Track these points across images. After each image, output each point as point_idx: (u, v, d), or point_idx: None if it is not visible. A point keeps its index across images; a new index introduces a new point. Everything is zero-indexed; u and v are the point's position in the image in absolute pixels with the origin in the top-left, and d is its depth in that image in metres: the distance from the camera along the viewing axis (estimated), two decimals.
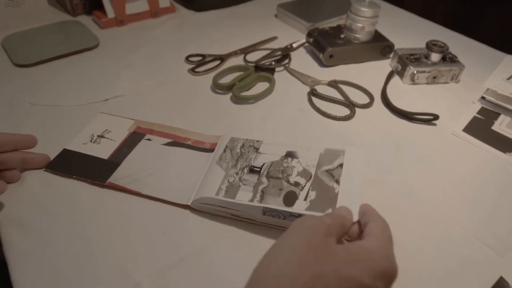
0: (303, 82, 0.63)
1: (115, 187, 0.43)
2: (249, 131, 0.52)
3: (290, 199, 0.39)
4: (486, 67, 0.64)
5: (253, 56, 0.68)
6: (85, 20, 0.77)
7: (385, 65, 0.67)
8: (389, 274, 0.27)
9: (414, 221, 0.41)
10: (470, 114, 0.57)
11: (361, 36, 0.66)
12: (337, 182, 0.39)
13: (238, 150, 0.46)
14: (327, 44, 0.64)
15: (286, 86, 0.62)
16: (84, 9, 0.78)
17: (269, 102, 0.58)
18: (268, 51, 0.69)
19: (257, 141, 0.47)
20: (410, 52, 0.64)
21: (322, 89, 0.61)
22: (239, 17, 0.82)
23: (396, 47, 0.67)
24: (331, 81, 0.62)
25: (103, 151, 0.47)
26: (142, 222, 0.40)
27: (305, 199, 0.38)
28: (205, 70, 0.64)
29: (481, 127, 0.54)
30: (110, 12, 0.74)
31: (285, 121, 0.55)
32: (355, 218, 0.34)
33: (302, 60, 0.68)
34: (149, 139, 0.49)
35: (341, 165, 0.41)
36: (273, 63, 0.66)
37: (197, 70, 0.64)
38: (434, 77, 0.62)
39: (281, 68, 0.66)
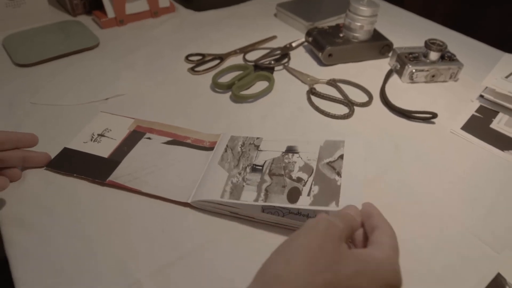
0: (302, 81, 0.63)
1: (115, 185, 0.43)
2: (249, 130, 0.52)
3: (293, 195, 0.39)
4: (485, 65, 0.64)
5: (253, 55, 0.68)
6: (85, 20, 0.77)
7: (384, 64, 0.67)
8: (394, 287, 0.28)
9: (412, 218, 0.42)
10: (468, 113, 0.57)
11: (360, 35, 0.66)
12: (339, 174, 0.39)
13: (239, 149, 0.46)
14: (326, 43, 0.65)
15: (286, 85, 0.62)
16: (84, 9, 0.79)
17: (269, 101, 0.59)
18: (267, 50, 0.70)
19: (257, 138, 0.47)
20: (408, 51, 0.64)
21: (321, 88, 0.61)
22: (238, 17, 0.82)
23: (395, 46, 0.67)
24: (330, 80, 0.62)
25: (104, 149, 0.47)
26: (142, 219, 0.40)
27: (308, 194, 0.38)
28: (205, 70, 0.64)
29: (479, 125, 0.55)
30: (110, 12, 0.74)
31: (284, 119, 0.55)
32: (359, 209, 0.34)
33: (301, 59, 0.68)
34: (149, 138, 0.50)
35: (341, 157, 0.41)
36: (272, 62, 0.67)
37: (196, 69, 0.64)
38: (433, 76, 0.63)
39: (281, 67, 0.66)
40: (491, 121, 0.56)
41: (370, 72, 0.65)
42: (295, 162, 0.42)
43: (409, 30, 0.78)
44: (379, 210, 0.34)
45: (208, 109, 0.56)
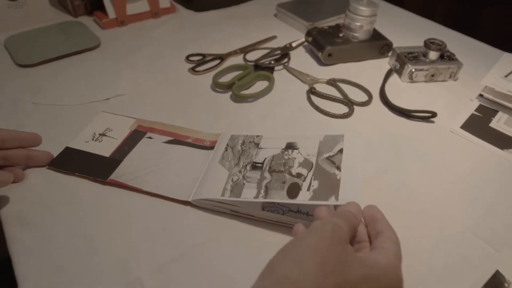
0: (302, 81, 0.63)
1: (116, 184, 0.43)
2: (249, 129, 0.52)
3: (293, 191, 0.39)
4: (484, 65, 0.64)
5: (253, 56, 0.69)
6: (86, 20, 0.78)
7: (384, 64, 0.68)
8: None
9: (412, 217, 0.42)
10: (468, 112, 0.57)
11: (360, 34, 0.66)
12: (338, 168, 0.40)
13: (239, 148, 0.46)
14: (326, 43, 0.65)
15: (286, 84, 0.62)
16: (85, 9, 0.79)
17: (269, 101, 0.59)
18: (267, 50, 0.70)
19: (257, 136, 0.47)
20: (408, 50, 0.65)
21: (321, 88, 0.61)
22: (238, 17, 0.82)
23: (394, 45, 0.67)
24: (330, 79, 0.63)
25: (105, 149, 0.48)
26: (143, 218, 0.41)
27: (308, 189, 0.39)
28: (205, 70, 0.65)
29: (479, 124, 0.55)
30: (111, 13, 0.75)
31: (284, 119, 0.55)
32: (360, 203, 0.34)
33: (301, 59, 0.69)
34: (150, 137, 0.50)
35: (341, 151, 0.41)
36: (272, 62, 0.67)
37: (197, 69, 0.65)
38: (432, 75, 0.63)
39: (281, 67, 0.66)
40: (490, 120, 0.56)
41: (369, 71, 0.66)
42: (295, 158, 0.42)
43: (408, 30, 0.78)
44: (383, 214, 0.34)
45: (209, 109, 0.57)
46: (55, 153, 0.47)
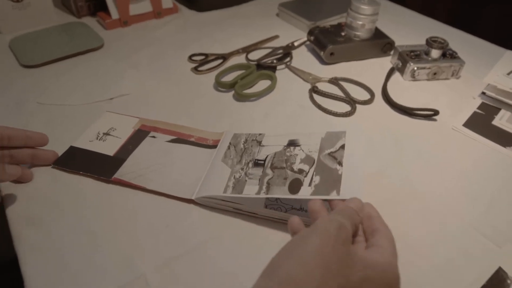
0: (304, 80, 0.63)
1: (120, 182, 0.44)
2: (251, 128, 0.53)
3: (295, 186, 0.39)
4: (486, 63, 0.64)
5: (255, 55, 0.69)
6: (90, 21, 0.78)
7: (386, 62, 0.68)
8: None
9: (415, 214, 0.42)
10: (470, 109, 0.57)
11: (362, 33, 0.66)
12: (340, 163, 0.40)
13: (242, 146, 0.47)
14: (328, 42, 0.65)
15: (288, 83, 0.63)
16: (88, 10, 0.80)
17: (271, 100, 0.59)
18: (269, 50, 0.70)
19: (259, 134, 0.48)
20: (410, 48, 0.65)
21: (323, 86, 0.61)
22: (241, 17, 0.83)
23: (396, 44, 0.67)
24: (332, 78, 0.63)
25: (109, 148, 0.48)
26: (147, 216, 0.41)
27: (310, 184, 0.39)
28: (208, 69, 0.65)
29: (481, 122, 0.55)
30: (114, 13, 0.75)
31: (286, 118, 0.55)
32: (361, 198, 0.34)
33: (303, 58, 0.69)
34: (153, 137, 0.50)
35: (342, 146, 0.41)
36: (274, 61, 0.67)
37: (200, 69, 0.65)
38: (435, 73, 0.63)
39: (283, 66, 0.67)
40: (493, 118, 0.56)
41: (372, 70, 0.66)
42: (297, 155, 0.42)
43: (410, 28, 0.78)
44: (378, 212, 0.34)
45: (211, 108, 0.57)
46: (59, 152, 0.47)
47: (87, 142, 0.49)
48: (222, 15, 0.83)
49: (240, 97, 0.59)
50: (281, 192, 0.39)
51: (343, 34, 0.68)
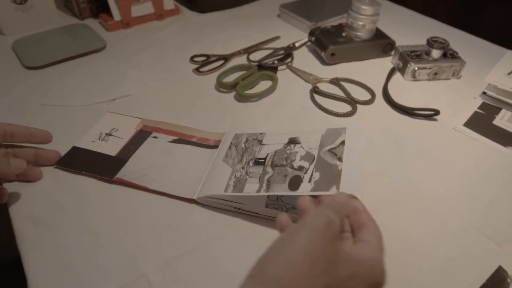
0: (305, 80, 0.64)
1: (122, 182, 0.44)
2: (253, 128, 0.53)
3: (294, 183, 0.39)
4: (487, 62, 0.64)
5: (256, 56, 0.69)
6: (92, 23, 0.79)
7: (387, 62, 0.68)
8: (381, 286, 0.29)
9: (415, 214, 0.42)
10: (471, 109, 0.57)
11: (362, 34, 0.66)
12: (340, 159, 0.40)
13: (243, 145, 0.47)
14: (328, 43, 0.65)
15: (289, 84, 0.63)
16: (91, 12, 0.80)
17: (272, 100, 0.59)
18: (271, 51, 0.70)
19: (260, 133, 0.48)
20: (411, 49, 0.65)
21: (324, 87, 0.61)
22: (242, 18, 0.83)
23: (397, 44, 0.67)
24: (333, 78, 0.63)
25: (111, 148, 0.49)
26: (149, 216, 0.41)
27: (310, 181, 0.39)
28: (209, 70, 0.65)
29: (482, 122, 0.55)
30: (117, 15, 0.76)
31: (287, 118, 0.56)
32: (360, 195, 0.34)
33: (304, 59, 0.69)
34: (155, 137, 0.51)
35: (343, 143, 0.41)
36: (276, 62, 0.67)
37: (201, 70, 0.65)
38: (435, 74, 0.63)
39: (284, 66, 0.67)
40: (493, 118, 0.56)
41: (372, 70, 0.66)
42: (297, 152, 0.43)
43: (411, 29, 0.78)
44: (365, 206, 0.34)
45: (213, 109, 0.57)
46: (62, 153, 0.47)
47: (90, 143, 0.49)
48: (223, 17, 0.84)
49: (242, 98, 0.59)
50: (281, 189, 0.39)
51: (344, 34, 0.68)
